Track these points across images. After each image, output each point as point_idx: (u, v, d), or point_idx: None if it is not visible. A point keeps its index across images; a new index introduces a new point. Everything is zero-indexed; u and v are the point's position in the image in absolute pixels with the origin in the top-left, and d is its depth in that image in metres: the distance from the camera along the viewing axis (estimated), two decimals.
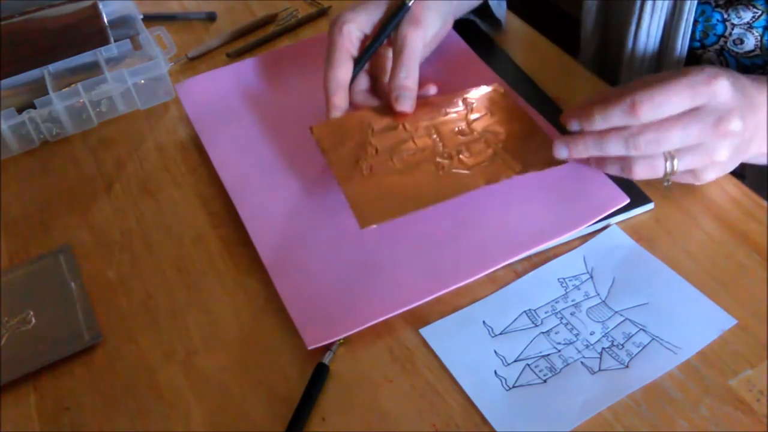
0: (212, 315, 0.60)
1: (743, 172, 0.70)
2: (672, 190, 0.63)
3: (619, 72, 0.80)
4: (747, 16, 0.69)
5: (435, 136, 0.66)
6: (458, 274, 0.58)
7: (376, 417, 0.52)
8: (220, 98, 0.79)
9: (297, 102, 0.77)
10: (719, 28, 0.71)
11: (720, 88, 0.56)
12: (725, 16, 0.70)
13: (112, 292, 0.63)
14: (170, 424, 0.54)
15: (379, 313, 0.57)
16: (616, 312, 0.56)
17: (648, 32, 0.74)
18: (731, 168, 0.60)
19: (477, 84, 0.71)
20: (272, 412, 0.53)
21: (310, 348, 0.55)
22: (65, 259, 0.66)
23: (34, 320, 0.61)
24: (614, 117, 0.57)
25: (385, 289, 0.58)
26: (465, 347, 0.55)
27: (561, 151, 0.60)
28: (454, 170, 0.62)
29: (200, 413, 0.54)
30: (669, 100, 0.56)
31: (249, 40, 0.89)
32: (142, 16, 0.86)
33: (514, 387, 0.53)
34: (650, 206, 0.62)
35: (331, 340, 0.56)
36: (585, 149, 0.59)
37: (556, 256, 0.60)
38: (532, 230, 0.61)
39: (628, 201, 0.61)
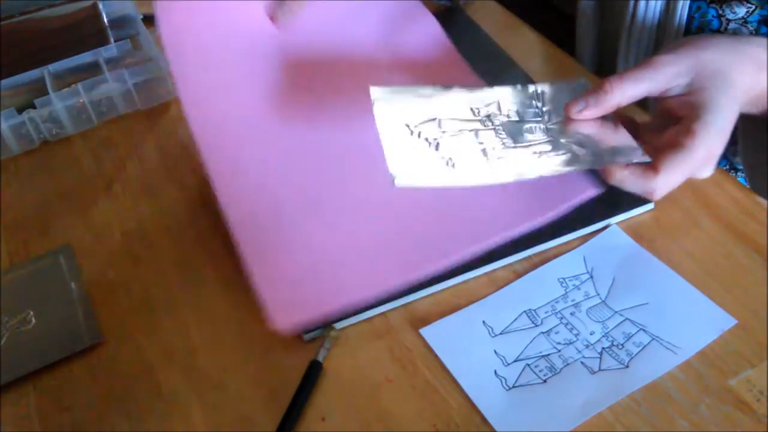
0: (212, 315, 0.60)
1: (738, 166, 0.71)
2: (672, 190, 0.63)
3: (616, 71, 0.80)
4: (741, 11, 0.69)
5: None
6: (439, 256, 0.58)
7: (376, 417, 0.52)
8: (206, 27, 0.71)
9: (302, 45, 0.72)
10: (714, 24, 0.71)
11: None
12: (720, 11, 0.70)
13: (112, 292, 0.63)
14: (170, 424, 0.54)
15: (354, 295, 0.56)
16: (616, 312, 0.56)
17: (643, 22, 0.74)
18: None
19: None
20: (272, 412, 0.53)
21: (280, 328, 0.54)
22: (65, 259, 0.66)
23: (34, 320, 0.61)
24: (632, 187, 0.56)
25: (360, 271, 0.57)
26: (465, 347, 0.55)
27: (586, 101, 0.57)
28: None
29: (200, 413, 0.54)
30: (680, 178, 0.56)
31: None
32: (142, 16, 0.86)
33: (514, 387, 0.53)
34: (650, 206, 0.63)
35: (305, 320, 0.55)
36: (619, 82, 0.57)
37: (556, 256, 0.60)
38: (505, 215, 0.60)
39: (598, 192, 0.60)
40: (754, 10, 0.69)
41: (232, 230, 0.59)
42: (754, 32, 0.70)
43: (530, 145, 0.58)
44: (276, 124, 0.68)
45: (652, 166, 0.54)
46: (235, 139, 0.65)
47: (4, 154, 0.78)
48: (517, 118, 0.60)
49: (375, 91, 0.61)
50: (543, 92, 0.63)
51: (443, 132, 0.59)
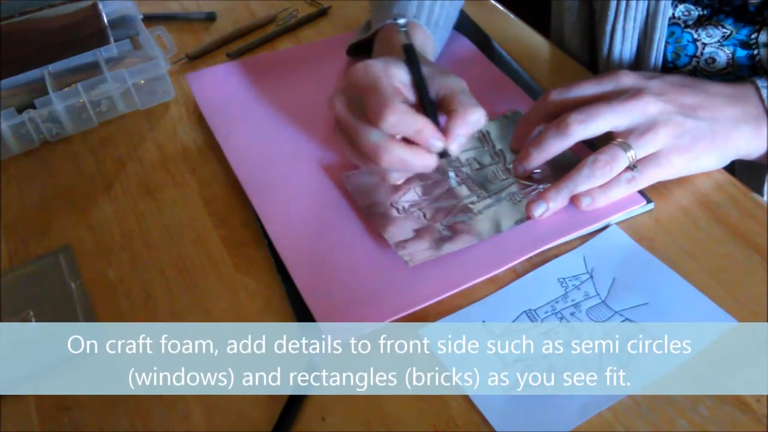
0: (212, 315, 0.60)
1: (732, 167, 0.71)
2: (672, 190, 0.63)
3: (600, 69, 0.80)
4: (717, 34, 0.69)
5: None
6: (476, 271, 0.59)
7: (376, 417, 0.52)
8: (231, 91, 0.80)
9: (310, 99, 0.77)
10: (690, 49, 0.71)
11: (622, 76, 0.62)
12: (695, 36, 0.70)
13: (112, 292, 0.63)
14: (170, 424, 0.54)
15: (390, 313, 0.57)
16: (616, 312, 0.56)
17: (620, 57, 0.74)
18: (702, 150, 0.61)
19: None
20: (272, 412, 0.53)
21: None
22: (65, 259, 0.66)
23: (34, 320, 0.61)
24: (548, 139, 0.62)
25: (397, 289, 0.59)
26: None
27: (519, 168, 0.64)
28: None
29: (200, 413, 0.54)
30: (581, 89, 0.62)
31: (249, 40, 0.90)
32: (142, 16, 0.86)
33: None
34: (650, 206, 0.63)
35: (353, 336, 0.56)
36: (529, 157, 0.62)
37: (556, 256, 0.60)
38: (551, 226, 0.61)
39: (645, 203, 0.62)
40: (730, 34, 0.69)
41: (282, 258, 0.62)
42: (731, 55, 0.70)
43: (501, 191, 0.64)
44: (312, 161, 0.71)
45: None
46: (276, 182, 0.69)
47: (4, 154, 0.78)
48: (477, 166, 0.66)
49: (348, 178, 0.67)
50: (488, 132, 0.69)
51: (423, 198, 0.64)
